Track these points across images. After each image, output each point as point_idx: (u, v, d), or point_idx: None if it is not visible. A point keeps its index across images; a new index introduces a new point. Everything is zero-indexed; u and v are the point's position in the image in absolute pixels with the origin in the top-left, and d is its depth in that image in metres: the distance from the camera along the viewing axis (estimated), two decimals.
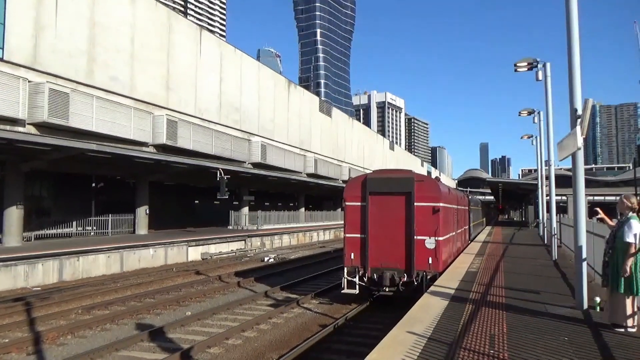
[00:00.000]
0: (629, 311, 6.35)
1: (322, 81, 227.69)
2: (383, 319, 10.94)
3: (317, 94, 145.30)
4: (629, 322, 6.37)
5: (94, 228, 26.43)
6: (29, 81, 19.65)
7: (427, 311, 7.74)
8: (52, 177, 25.99)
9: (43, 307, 12.88)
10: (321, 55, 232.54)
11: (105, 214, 26.95)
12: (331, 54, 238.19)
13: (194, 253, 24.29)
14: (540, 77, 16.96)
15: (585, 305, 7.74)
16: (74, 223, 25.75)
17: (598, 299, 7.69)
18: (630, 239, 6.12)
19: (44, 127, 20.21)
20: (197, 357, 8.60)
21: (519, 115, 23.65)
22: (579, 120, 7.67)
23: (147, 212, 27.66)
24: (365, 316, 11.87)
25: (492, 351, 5.59)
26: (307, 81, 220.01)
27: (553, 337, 6.19)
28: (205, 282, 17.04)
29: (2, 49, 19.10)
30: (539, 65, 16.87)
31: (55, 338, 9.92)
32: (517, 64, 16.73)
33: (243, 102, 36.58)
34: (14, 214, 20.01)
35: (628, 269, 6.13)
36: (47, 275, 16.92)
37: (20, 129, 19.37)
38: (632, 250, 6.11)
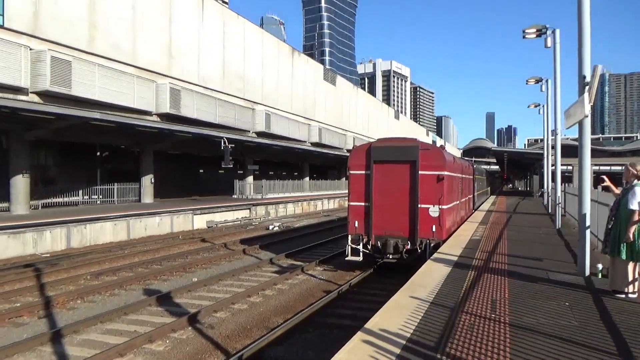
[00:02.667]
0: (630, 277, 6.40)
1: (327, 49, 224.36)
2: (386, 285, 11.10)
3: (322, 62, 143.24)
4: (630, 288, 6.44)
5: (100, 196, 26.65)
6: (30, 49, 19.45)
7: (430, 277, 7.84)
8: (57, 145, 26.05)
9: (52, 273, 13.12)
10: (326, 22, 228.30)
11: (111, 183, 27.13)
12: (336, 21, 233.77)
13: (200, 221, 24.52)
14: (549, 43, 16.68)
15: (588, 272, 7.81)
16: (80, 191, 25.95)
17: (600, 266, 7.75)
18: (634, 206, 6.12)
19: (46, 96, 20.12)
20: (204, 321, 8.79)
21: (527, 83, 23.38)
22: (587, 87, 7.57)
23: (152, 180, 27.82)
24: (369, 283, 12.03)
25: (493, 315, 5.69)
26: (312, 49, 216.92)
27: (554, 302, 6.28)
28: (211, 250, 17.26)
29: (2, 15, 18.80)
30: (548, 32, 16.56)
31: (65, 303, 10.15)
32: (526, 31, 16.42)
33: (246, 71, 36.18)
34: (20, 183, 20.17)
35: (631, 236, 6.15)
36: (56, 242, 17.17)
37: (23, 97, 19.29)
38: (636, 217, 6.12)
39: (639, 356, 4.42)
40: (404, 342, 4.75)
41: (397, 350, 4.52)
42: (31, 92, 19.70)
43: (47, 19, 20.58)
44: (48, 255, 16.08)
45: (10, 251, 15.69)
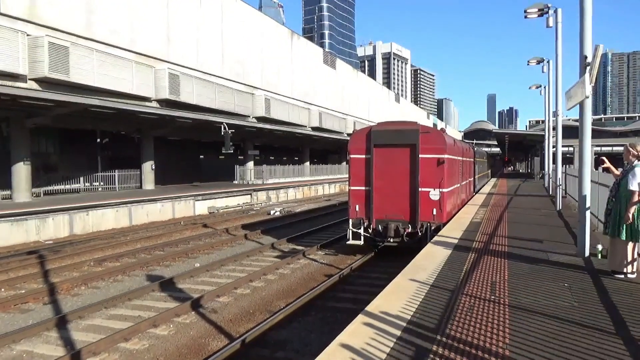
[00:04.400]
0: (629, 258, 6.44)
1: (326, 32, 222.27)
2: (387, 269, 11.17)
3: (321, 45, 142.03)
4: (629, 268, 6.48)
5: (101, 183, 26.69)
6: (27, 35, 19.29)
7: (430, 260, 7.88)
8: (57, 133, 26.04)
9: (56, 259, 13.23)
10: (325, 5, 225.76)
11: (112, 170, 27.15)
12: (335, 3, 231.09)
13: (201, 207, 24.60)
14: (551, 23, 16.52)
15: (587, 253, 7.84)
16: (81, 179, 26.00)
17: (600, 247, 7.79)
18: (634, 187, 6.11)
19: (45, 83, 20.00)
20: (207, 306, 8.89)
21: (528, 64, 23.19)
22: (588, 67, 7.50)
23: (153, 167, 27.84)
24: (370, 266, 12.12)
25: (493, 297, 5.74)
26: (311, 32, 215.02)
27: (554, 283, 6.32)
28: (212, 235, 17.35)
29: None
30: (550, 11, 16.39)
31: (70, 289, 10.25)
32: (527, 10, 16.27)
33: (245, 55, 35.89)
34: (22, 170, 20.21)
35: (630, 217, 6.17)
36: (58, 229, 17.27)
37: (22, 84, 19.20)
38: (636, 198, 6.12)
39: (637, 335, 4.47)
40: (404, 324, 4.81)
41: (398, 332, 4.58)
42: (29, 79, 19.59)
43: (44, 4, 20.35)
44: (51, 242, 16.19)
45: (13, 238, 15.81)
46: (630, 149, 6.42)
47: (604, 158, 7.28)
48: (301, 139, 44.06)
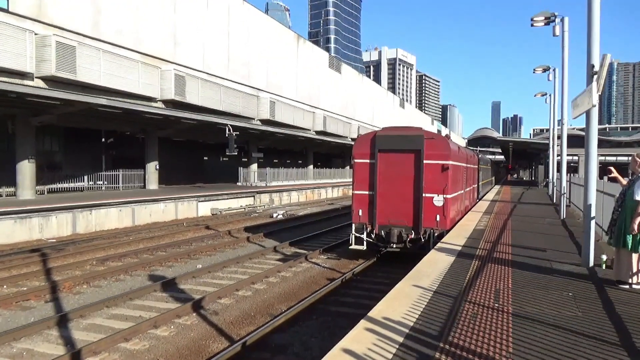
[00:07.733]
0: (634, 268, 6.39)
1: (332, 36, 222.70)
2: (390, 274, 11.13)
3: (327, 49, 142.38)
4: (634, 279, 6.43)
5: (105, 183, 26.77)
6: (35, 34, 19.40)
7: (433, 266, 7.85)
8: (62, 131, 26.16)
9: (59, 258, 13.24)
10: (331, 9, 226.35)
11: (116, 169, 27.23)
12: (342, 8, 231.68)
13: (204, 208, 24.60)
14: (558, 32, 16.52)
15: (592, 263, 7.79)
16: (86, 177, 26.08)
17: (604, 257, 7.74)
18: (639, 197, 6.08)
19: (52, 81, 20.11)
20: (208, 307, 8.87)
21: (534, 72, 23.17)
22: (595, 76, 7.47)
23: (157, 167, 27.90)
24: (373, 271, 12.07)
25: (496, 305, 5.70)
26: (317, 36, 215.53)
27: (557, 292, 6.28)
28: (215, 237, 17.34)
29: None
30: (557, 20, 16.38)
31: (72, 287, 10.25)
32: (534, 18, 16.26)
33: (251, 57, 35.98)
34: (27, 168, 20.28)
35: (636, 227, 6.12)
36: (62, 227, 17.30)
37: (29, 82, 19.30)
38: None
39: None
40: (407, 330, 4.78)
41: (400, 339, 4.55)
42: (36, 77, 19.70)
43: (52, 4, 20.48)
44: (54, 240, 16.22)
45: (17, 236, 15.84)
46: (638, 159, 6.39)
47: (612, 168, 7.25)
48: (305, 142, 44.08)
